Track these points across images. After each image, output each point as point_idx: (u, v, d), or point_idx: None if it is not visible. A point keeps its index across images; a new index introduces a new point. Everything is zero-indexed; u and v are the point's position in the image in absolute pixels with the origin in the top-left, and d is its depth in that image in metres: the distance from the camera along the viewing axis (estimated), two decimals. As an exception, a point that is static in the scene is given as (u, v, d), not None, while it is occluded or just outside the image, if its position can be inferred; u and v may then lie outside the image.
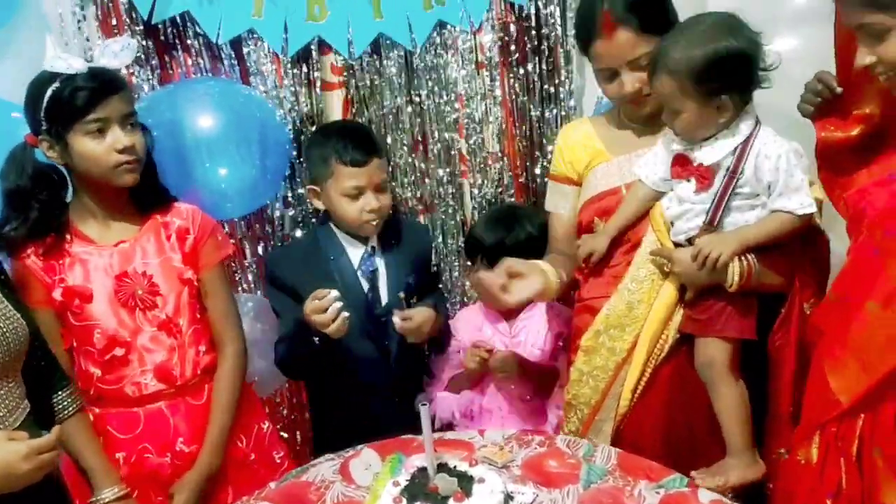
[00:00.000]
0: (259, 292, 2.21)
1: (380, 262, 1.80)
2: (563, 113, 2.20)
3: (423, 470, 1.38)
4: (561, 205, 1.75)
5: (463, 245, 2.14)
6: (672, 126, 1.46)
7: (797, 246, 1.49)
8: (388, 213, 1.79)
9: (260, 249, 2.21)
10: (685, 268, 1.47)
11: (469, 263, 2.02)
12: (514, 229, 1.86)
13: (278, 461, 1.77)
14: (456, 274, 2.30)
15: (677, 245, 1.52)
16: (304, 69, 2.10)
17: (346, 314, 1.59)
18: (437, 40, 2.11)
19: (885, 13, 1.14)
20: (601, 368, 1.61)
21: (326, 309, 1.58)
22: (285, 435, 2.33)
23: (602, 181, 1.64)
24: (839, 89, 1.38)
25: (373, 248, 1.79)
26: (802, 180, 1.41)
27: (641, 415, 1.59)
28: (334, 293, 1.59)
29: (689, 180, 1.47)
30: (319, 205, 1.81)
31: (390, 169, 2.12)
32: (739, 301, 1.47)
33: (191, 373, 1.62)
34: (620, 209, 1.58)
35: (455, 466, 1.39)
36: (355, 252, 1.79)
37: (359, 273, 1.78)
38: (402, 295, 1.73)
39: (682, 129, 1.44)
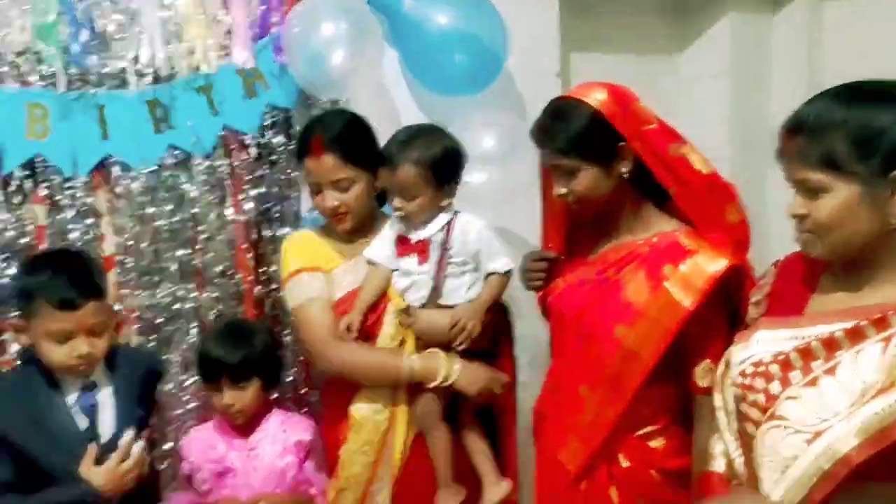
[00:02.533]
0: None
1: (104, 394, 1.65)
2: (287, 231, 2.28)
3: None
4: (316, 287, 1.77)
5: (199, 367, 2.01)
6: (405, 208, 1.70)
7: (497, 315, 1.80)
8: (103, 356, 1.64)
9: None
10: (427, 326, 1.71)
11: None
12: (251, 342, 1.85)
13: None
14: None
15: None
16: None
17: None
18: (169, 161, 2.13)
19: (573, 159, 1.52)
20: (368, 442, 1.74)
21: None
22: None
23: (342, 283, 1.79)
24: (553, 255, 1.74)
25: (93, 382, 1.64)
26: (499, 246, 1.75)
27: (408, 475, 1.75)
28: None
29: (411, 256, 1.72)
30: (24, 340, 1.63)
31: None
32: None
33: None
34: (364, 288, 1.75)
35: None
36: (71, 387, 1.62)
37: (72, 411, 1.61)
38: (127, 436, 1.62)
39: (414, 210, 1.70)
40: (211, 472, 1.82)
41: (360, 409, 1.76)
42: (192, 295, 2.19)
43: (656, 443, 1.57)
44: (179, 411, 2.16)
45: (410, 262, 1.74)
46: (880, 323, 1.08)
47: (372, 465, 1.76)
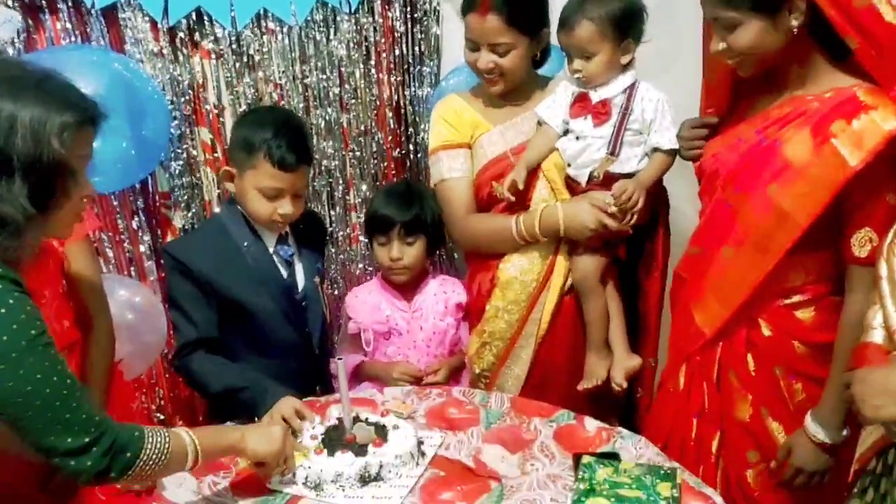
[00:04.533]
0: (132, 270, 2.15)
1: (294, 248, 1.76)
2: (431, 92, 2.31)
3: (336, 424, 1.45)
4: (456, 167, 1.81)
5: (364, 223, 2.08)
6: (585, 69, 1.64)
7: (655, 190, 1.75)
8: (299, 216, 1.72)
9: (135, 224, 2.14)
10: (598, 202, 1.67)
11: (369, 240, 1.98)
12: (421, 204, 1.88)
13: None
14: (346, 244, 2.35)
15: (573, 183, 1.73)
16: (185, 39, 2.06)
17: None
18: (318, 17, 2.16)
19: (734, 10, 1.36)
20: (514, 302, 1.80)
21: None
22: (161, 416, 2.28)
23: (489, 150, 1.79)
24: (715, 119, 1.62)
25: (286, 233, 1.74)
26: (671, 121, 1.67)
27: (553, 336, 1.81)
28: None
29: (585, 118, 1.68)
30: (231, 187, 1.70)
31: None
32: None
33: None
34: (529, 147, 1.74)
35: (367, 418, 1.46)
36: (268, 237, 1.72)
37: (275, 259, 1.72)
38: (317, 280, 1.76)
39: (594, 70, 1.65)
40: (376, 332, 1.91)
41: (507, 270, 1.80)
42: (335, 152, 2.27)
43: (804, 313, 1.49)
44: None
45: (585, 124, 1.69)
46: None
47: (517, 323, 1.81)
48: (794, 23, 1.36)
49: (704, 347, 1.57)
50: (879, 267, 1.23)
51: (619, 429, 1.51)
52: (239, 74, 2.14)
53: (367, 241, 2.16)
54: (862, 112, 1.34)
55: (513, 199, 1.71)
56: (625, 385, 1.76)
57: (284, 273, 1.73)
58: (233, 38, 2.11)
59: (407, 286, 1.93)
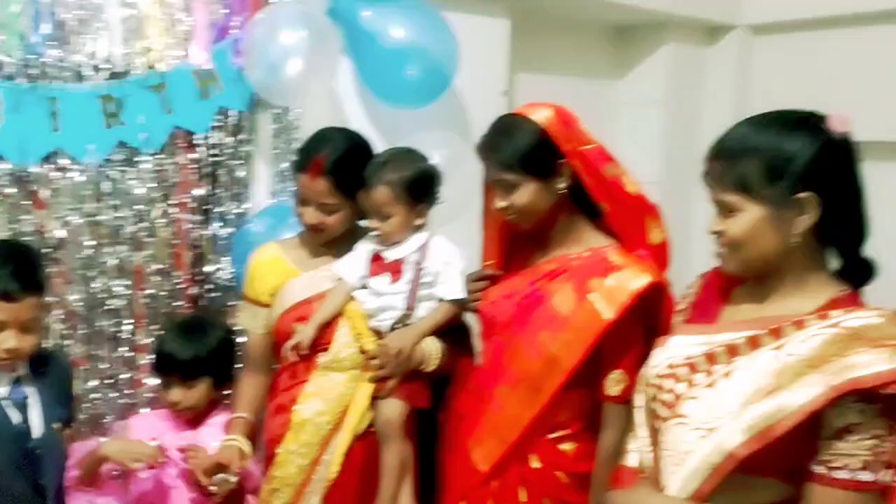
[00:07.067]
0: None
1: (30, 391, 1.63)
2: (231, 231, 2.33)
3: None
4: (254, 324, 1.92)
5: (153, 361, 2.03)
6: (381, 228, 1.76)
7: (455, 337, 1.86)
8: (31, 352, 1.61)
9: None
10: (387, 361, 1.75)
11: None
12: (205, 343, 1.91)
13: None
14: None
15: (378, 331, 1.81)
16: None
17: None
18: (117, 157, 2.14)
19: (514, 174, 1.59)
20: (307, 444, 1.79)
21: None
22: None
23: (297, 294, 1.86)
24: (493, 272, 1.81)
25: (20, 376, 1.62)
26: (460, 272, 1.81)
27: (343, 482, 1.80)
28: None
29: (383, 275, 1.78)
30: None
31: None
32: (419, 375, 1.80)
33: None
34: (324, 304, 1.82)
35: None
36: (2, 380, 1.60)
37: (4, 403, 1.59)
38: (57, 426, 1.64)
39: (389, 231, 1.77)
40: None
41: (303, 411, 1.80)
42: (126, 292, 2.21)
43: (567, 446, 1.65)
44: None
45: (382, 281, 1.78)
46: (776, 333, 1.18)
47: (308, 468, 1.80)
48: (562, 186, 1.61)
49: (481, 484, 1.68)
50: (635, 398, 1.41)
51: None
52: (24, 211, 2.04)
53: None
54: (614, 271, 1.59)
55: (297, 359, 1.79)
56: None
57: (15, 418, 1.60)
58: (21, 175, 2.03)
59: (194, 417, 1.92)
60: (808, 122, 1.20)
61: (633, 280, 1.57)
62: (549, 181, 1.61)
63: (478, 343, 1.84)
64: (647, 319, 1.59)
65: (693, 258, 2.22)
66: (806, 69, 3.10)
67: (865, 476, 1.09)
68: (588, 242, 1.67)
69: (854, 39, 3.01)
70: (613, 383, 1.59)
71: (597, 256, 1.63)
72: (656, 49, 3.20)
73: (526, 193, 1.60)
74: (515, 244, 1.80)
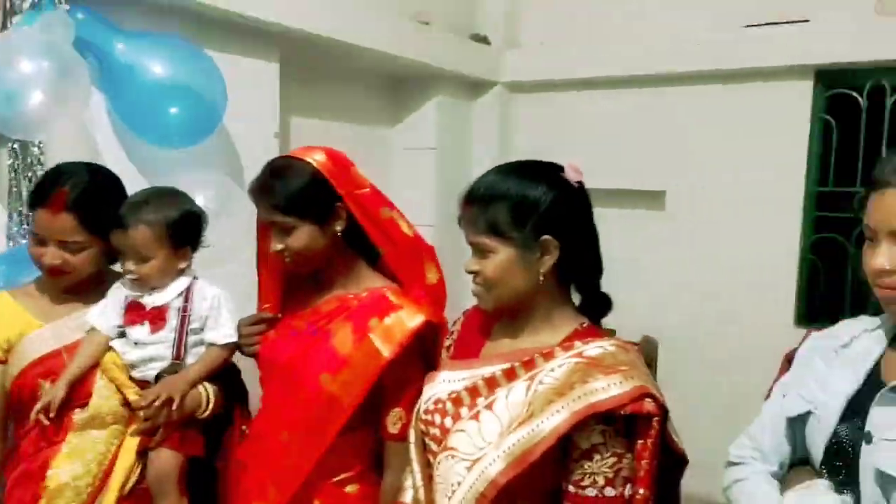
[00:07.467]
0: None
1: None
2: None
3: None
4: None
5: None
6: (138, 271, 1.62)
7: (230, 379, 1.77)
8: None
9: None
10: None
11: None
12: None
13: None
14: None
15: (142, 381, 1.66)
16: None
17: None
18: None
19: (290, 217, 1.56)
20: None
21: None
22: None
23: (41, 346, 1.65)
24: (271, 315, 1.74)
25: None
26: (228, 316, 1.72)
27: None
28: None
29: (142, 324, 1.64)
30: None
31: None
32: (193, 423, 1.67)
33: None
34: (76, 358, 1.63)
35: None
36: None
37: None
38: None
39: (148, 274, 1.63)
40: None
41: (58, 476, 1.60)
42: None
43: (351, 488, 1.62)
44: None
45: (142, 331, 1.65)
46: (528, 364, 1.29)
47: None
48: (338, 228, 1.60)
49: None
50: (410, 434, 1.43)
51: None
52: None
53: None
54: (392, 311, 1.60)
55: (46, 422, 1.59)
56: None
57: None
58: None
59: None
60: (547, 172, 1.33)
61: (409, 319, 1.59)
62: (325, 224, 1.60)
63: (257, 387, 1.75)
64: (424, 358, 1.61)
65: (467, 297, 2.29)
66: (553, 122, 3.64)
67: (610, 492, 1.19)
68: (366, 283, 1.67)
69: (593, 101, 3.61)
70: (393, 421, 1.59)
71: (375, 296, 1.64)
72: (427, 100, 3.42)
73: (302, 236, 1.57)
74: (292, 286, 1.76)
